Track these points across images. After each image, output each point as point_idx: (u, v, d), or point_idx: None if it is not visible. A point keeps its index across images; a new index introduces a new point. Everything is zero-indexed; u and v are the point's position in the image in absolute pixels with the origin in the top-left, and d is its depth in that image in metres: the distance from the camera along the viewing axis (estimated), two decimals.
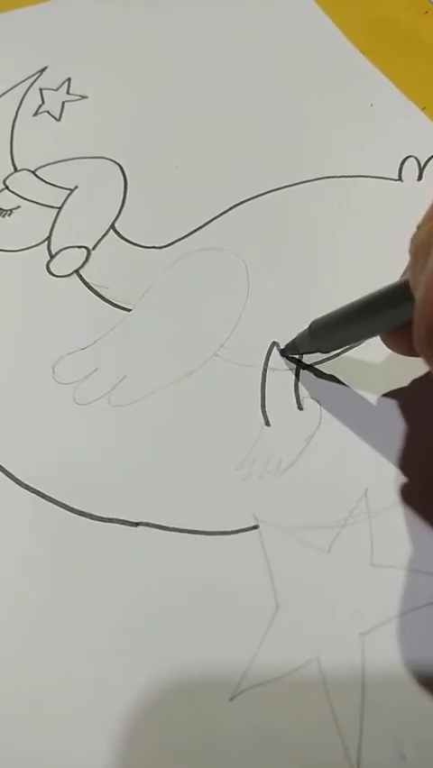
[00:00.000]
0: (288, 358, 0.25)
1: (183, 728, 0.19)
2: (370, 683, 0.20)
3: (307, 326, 0.24)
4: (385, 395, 0.24)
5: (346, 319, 0.22)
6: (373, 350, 0.25)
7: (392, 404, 0.24)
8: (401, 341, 0.20)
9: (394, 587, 0.21)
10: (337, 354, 0.25)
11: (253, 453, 0.23)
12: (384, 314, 0.20)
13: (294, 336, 0.24)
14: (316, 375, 0.25)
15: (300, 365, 0.25)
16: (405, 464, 0.23)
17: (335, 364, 0.25)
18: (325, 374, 0.25)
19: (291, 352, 0.25)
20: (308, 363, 0.25)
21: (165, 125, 0.33)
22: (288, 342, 0.25)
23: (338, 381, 0.25)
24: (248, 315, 0.26)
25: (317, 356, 0.25)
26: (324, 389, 0.24)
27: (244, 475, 0.23)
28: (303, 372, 0.25)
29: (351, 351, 0.25)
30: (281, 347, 0.25)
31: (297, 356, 0.25)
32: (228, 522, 0.22)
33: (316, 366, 0.25)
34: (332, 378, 0.25)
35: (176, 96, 0.34)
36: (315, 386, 0.24)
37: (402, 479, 0.22)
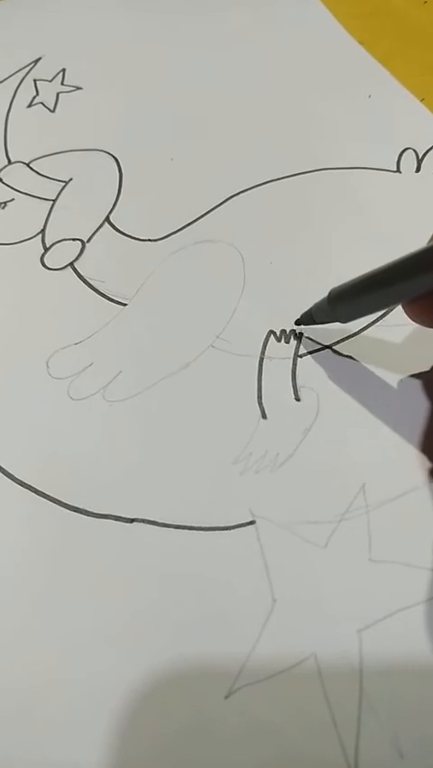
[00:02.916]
0: (285, 338, 0.25)
1: (178, 725, 0.19)
2: (368, 680, 0.19)
3: (320, 298, 0.23)
4: (384, 386, 0.24)
5: (369, 286, 0.21)
6: (373, 338, 0.25)
7: (392, 395, 0.24)
8: (426, 310, 0.20)
9: (393, 582, 0.20)
10: (339, 341, 0.25)
11: (250, 447, 0.23)
12: (410, 281, 0.19)
13: (310, 306, 0.24)
14: (314, 357, 0.24)
15: (298, 351, 0.25)
16: (404, 458, 0.22)
17: (333, 353, 0.25)
18: (331, 348, 0.24)
19: (307, 322, 0.24)
20: (305, 352, 0.25)
21: (161, 117, 0.32)
22: (303, 312, 0.24)
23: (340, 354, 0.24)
24: (244, 306, 0.26)
25: (312, 346, 0.25)
26: (321, 379, 0.24)
27: (240, 470, 0.23)
28: (301, 360, 0.24)
29: (347, 342, 0.25)
30: (298, 318, 0.25)
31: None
32: (224, 517, 0.22)
33: (312, 354, 0.25)
34: (336, 352, 0.24)
35: (171, 87, 0.33)
36: (312, 374, 0.24)
37: (401, 473, 0.22)
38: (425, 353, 0.24)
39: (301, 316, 0.25)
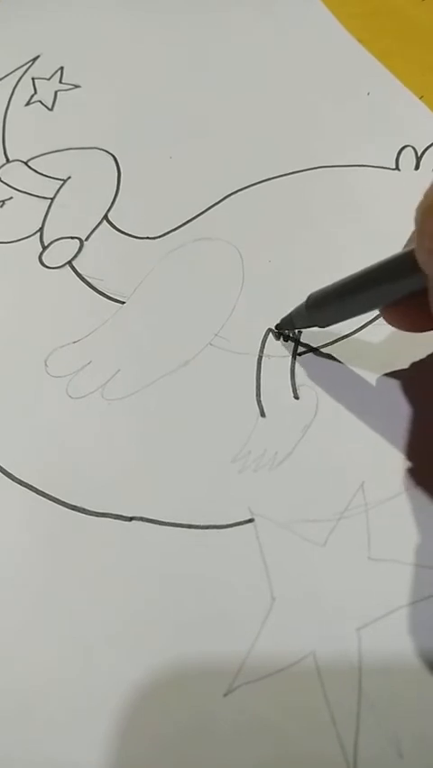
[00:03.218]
0: (283, 337, 0.25)
1: (178, 724, 0.19)
2: (367, 678, 0.19)
3: (302, 301, 0.23)
4: (383, 383, 0.24)
5: (347, 291, 0.21)
6: (369, 337, 0.25)
7: (391, 393, 0.23)
8: (403, 314, 0.20)
9: (392, 581, 0.20)
10: (336, 341, 0.25)
11: (249, 446, 0.23)
12: (387, 286, 0.19)
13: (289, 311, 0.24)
14: (315, 354, 0.24)
15: (297, 349, 0.25)
16: (403, 456, 0.22)
17: (332, 351, 0.25)
18: (323, 353, 0.24)
19: (287, 327, 0.24)
20: (304, 350, 0.25)
21: (159, 115, 0.32)
22: (282, 317, 0.24)
23: (335, 359, 0.24)
24: (243, 304, 0.26)
25: (313, 342, 0.25)
26: (320, 376, 0.24)
27: (239, 468, 0.23)
28: (299, 358, 0.24)
29: (346, 339, 0.25)
30: (278, 325, 0.25)
31: (291, 333, 0.24)
32: (223, 516, 0.22)
33: (311, 352, 0.25)
34: (330, 357, 0.24)
35: (170, 85, 0.33)
36: (311, 372, 0.24)
37: (400, 470, 0.22)
38: (423, 352, 0.24)
39: (281, 321, 0.25)
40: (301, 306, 0.23)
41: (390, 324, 0.21)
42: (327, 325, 0.23)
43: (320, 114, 0.31)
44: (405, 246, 0.20)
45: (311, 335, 0.25)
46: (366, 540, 0.21)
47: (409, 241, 0.19)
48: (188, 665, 0.20)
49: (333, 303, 0.22)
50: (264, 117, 0.31)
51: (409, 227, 0.20)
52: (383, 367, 0.24)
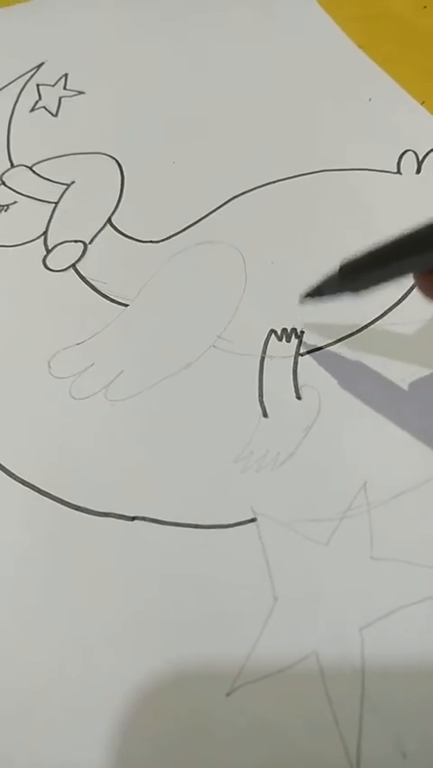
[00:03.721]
0: (286, 337, 0.25)
1: (179, 724, 0.19)
2: (370, 678, 0.19)
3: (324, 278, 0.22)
4: (384, 383, 0.24)
5: (382, 258, 0.20)
6: (371, 337, 0.25)
7: (393, 393, 0.24)
8: None
9: (394, 580, 0.20)
10: (338, 341, 0.25)
11: (251, 446, 0.23)
12: (423, 254, 0.19)
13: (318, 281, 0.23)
14: (317, 354, 0.24)
15: (299, 350, 0.25)
16: (405, 456, 0.22)
17: (334, 351, 0.25)
18: (325, 353, 0.24)
19: (315, 295, 0.23)
20: (306, 350, 0.25)
21: (162, 120, 0.32)
22: (311, 286, 0.23)
23: (337, 359, 0.24)
24: (245, 306, 0.26)
25: (315, 342, 0.25)
26: (322, 376, 0.24)
27: (241, 468, 0.23)
28: (301, 359, 0.25)
29: (347, 339, 0.25)
30: (306, 293, 0.23)
31: (319, 298, 0.23)
32: (226, 515, 0.22)
33: (313, 353, 0.25)
34: (332, 357, 0.24)
35: (173, 90, 0.33)
36: (313, 373, 0.24)
37: (402, 470, 0.22)
38: (426, 351, 0.24)
39: (309, 290, 0.23)
40: (333, 273, 0.22)
41: (424, 292, 0.21)
42: (360, 291, 0.22)
43: (322, 119, 0.32)
44: None
45: (314, 336, 0.25)
46: (369, 539, 0.21)
47: None
48: (189, 665, 0.20)
49: (367, 270, 0.21)
50: (266, 122, 0.32)
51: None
52: (385, 367, 0.24)
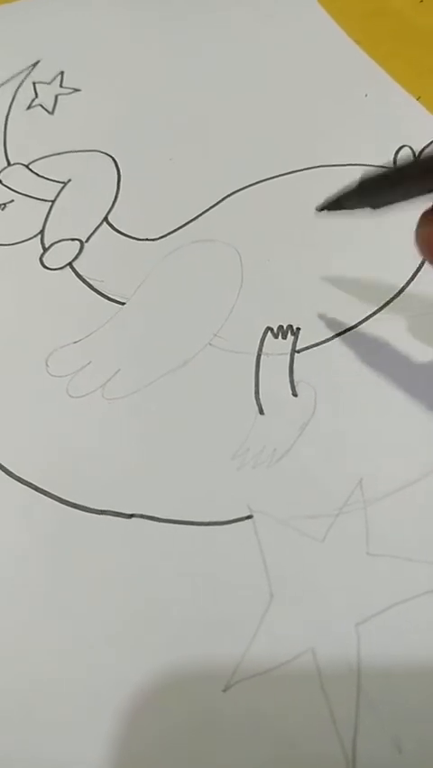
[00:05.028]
0: (282, 334, 0.24)
1: (177, 720, 0.19)
2: (365, 675, 0.19)
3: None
4: (380, 380, 0.24)
5: (404, 173, 0.19)
6: (366, 333, 0.25)
7: (388, 390, 0.24)
8: None
9: (390, 576, 0.20)
10: (333, 337, 0.25)
11: (247, 443, 0.23)
12: None
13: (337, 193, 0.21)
14: (312, 351, 0.24)
15: (295, 347, 0.25)
16: (401, 452, 0.22)
17: (330, 348, 0.25)
18: (321, 350, 0.24)
19: (333, 207, 0.22)
20: (302, 347, 0.25)
21: (158, 118, 0.32)
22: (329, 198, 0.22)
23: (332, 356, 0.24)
24: (242, 304, 0.26)
25: (312, 340, 0.25)
26: (318, 373, 0.24)
27: (237, 465, 0.23)
28: (297, 356, 0.25)
29: (343, 336, 0.25)
30: (323, 205, 0.22)
31: (336, 211, 0.22)
32: (222, 512, 0.22)
33: (309, 349, 0.25)
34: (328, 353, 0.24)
35: (168, 88, 0.33)
36: (309, 370, 0.24)
37: (398, 467, 0.22)
38: (421, 347, 0.24)
39: (326, 202, 0.22)
40: (352, 186, 0.21)
41: (422, 247, 0.20)
42: (380, 206, 0.21)
43: (318, 115, 0.32)
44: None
45: (309, 333, 0.25)
46: (365, 535, 0.21)
47: None
48: (186, 660, 0.20)
49: (387, 185, 0.20)
50: (262, 118, 0.32)
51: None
52: (381, 364, 0.24)
